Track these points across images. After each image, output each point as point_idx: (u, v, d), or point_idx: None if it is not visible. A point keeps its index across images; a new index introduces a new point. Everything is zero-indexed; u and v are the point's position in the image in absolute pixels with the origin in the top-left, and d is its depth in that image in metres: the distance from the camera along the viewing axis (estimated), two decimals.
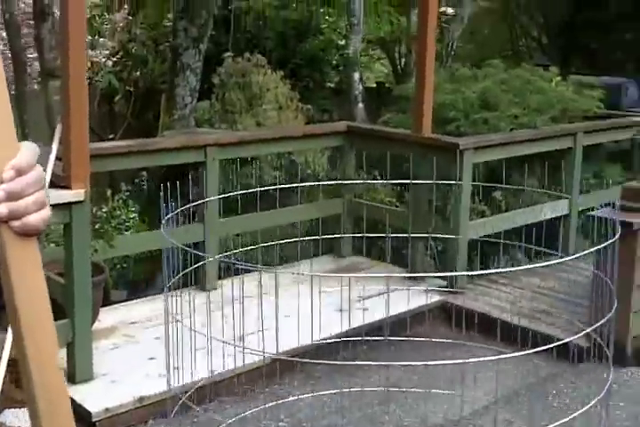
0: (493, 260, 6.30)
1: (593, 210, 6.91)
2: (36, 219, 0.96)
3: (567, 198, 6.60)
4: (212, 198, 5.31)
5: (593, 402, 3.14)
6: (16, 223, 0.94)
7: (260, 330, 3.50)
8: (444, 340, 4.12)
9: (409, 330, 5.05)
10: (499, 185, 4.72)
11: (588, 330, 3.44)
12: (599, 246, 3.22)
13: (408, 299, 4.84)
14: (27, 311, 0.99)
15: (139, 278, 6.51)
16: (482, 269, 6.29)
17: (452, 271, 5.68)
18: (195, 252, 3.11)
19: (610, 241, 3.24)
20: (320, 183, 5.09)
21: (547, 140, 6.36)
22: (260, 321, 3.39)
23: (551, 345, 3.36)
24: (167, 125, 6.06)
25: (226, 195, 4.72)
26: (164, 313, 2.94)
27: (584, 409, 3.10)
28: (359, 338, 4.13)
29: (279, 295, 3.26)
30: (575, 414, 3.11)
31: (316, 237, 4.83)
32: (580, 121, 7.14)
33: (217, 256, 5.25)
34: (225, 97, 6.89)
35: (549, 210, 6.40)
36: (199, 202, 4.48)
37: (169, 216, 3.92)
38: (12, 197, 0.92)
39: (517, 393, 4.23)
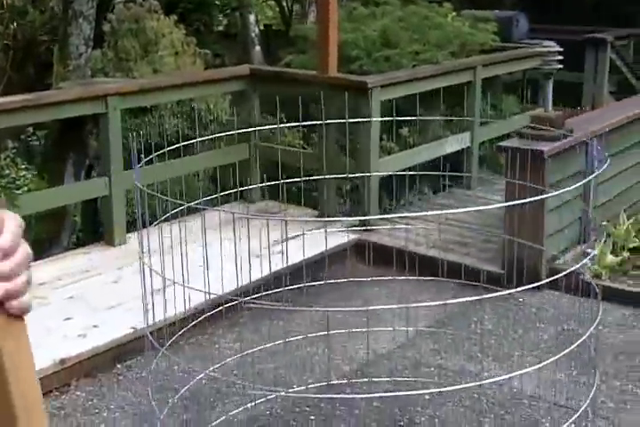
0: (401, 195, 6.36)
1: (493, 141, 7.06)
2: (29, 298, 0.91)
3: (469, 131, 6.68)
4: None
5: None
6: (14, 303, 0.89)
7: (176, 282, 3.37)
8: (381, 278, 4.13)
9: (328, 271, 5.06)
10: (407, 118, 4.71)
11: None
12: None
13: (324, 240, 4.83)
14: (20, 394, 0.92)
15: (41, 238, 6.31)
16: (391, 204, 6.34)
17: (364, 209, 5.70)
18: (166, 198, 2.95)
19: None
20: (233, 132, 4.97)
21: (448, 75, 6.39)
22: (183, 270, 3.28)
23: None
24: (62, 76, 5.83)
25: (158, 152, 4.58)
26: (140, 251, 2.83)
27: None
28: (297, 285, 4.10)
29: (187, 245, 3.18)
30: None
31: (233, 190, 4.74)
32: (478, 55, 7.20)
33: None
34: (118, 45, 6.67)
35: (453, 143, 6.46)
36: (156, 154, 4.35)
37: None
38: (3, 279, 0.87)
39: (440, 323, 4.30)
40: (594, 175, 2.87)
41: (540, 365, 1.76)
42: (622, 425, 3.39)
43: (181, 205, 3.02)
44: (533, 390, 3.54)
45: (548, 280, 3.66)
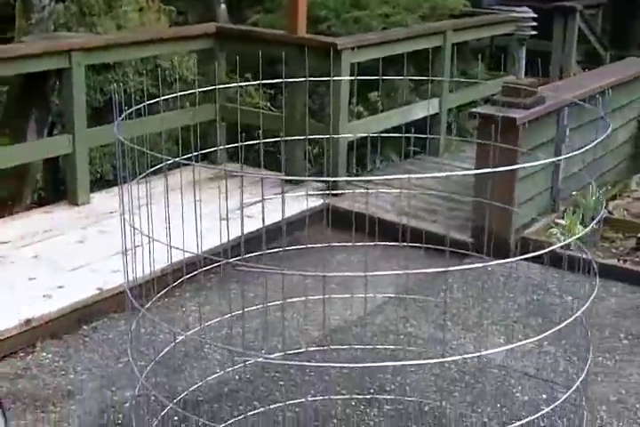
0: (368, 162, 6.33)
1: (461, 108, 7.05)
2: None
3: (437, 97, 6.66)
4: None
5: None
6: None
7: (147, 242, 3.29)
8: (341, 244, 4.10)
9: (294, 236, 5.04)
10: (376, 77, 4.65)
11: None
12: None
13: (290, 204, 4.81)
14: None
15: (3, 196, 6.19)
16: (358, 170, 6.31)
17: (332, 174, 5.67)
18: (153, 153, 2.84)
19: None
20: (196, 91, 4.87)
21: (418, 39, 6.34)
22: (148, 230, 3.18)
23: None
24: (24, 30, 5.68)
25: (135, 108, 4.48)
26: (120, 207, 2.75)
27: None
28: (266, 252, 4.06)
29: (154, 205, 3.08)
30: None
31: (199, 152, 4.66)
32: (447, 19, 7.15)
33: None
34: None
35: (421, 109, 6.44)
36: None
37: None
38: None
39: (409, 291, 4.30)
40: (599, 141, 2.82)
41: (531, 340, 1.76)
42: (594, 397, 3.44)
43: (162, 161, 2.92)
44: (503, 361, 3.57)
45: (532, 255, 3.66)
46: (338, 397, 3.46)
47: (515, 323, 3.92)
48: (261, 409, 3.24)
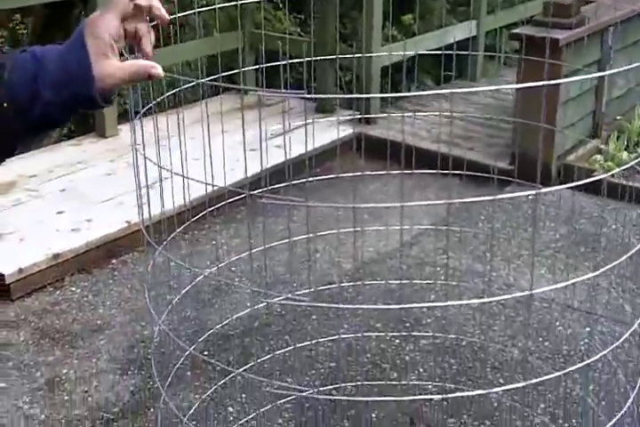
0: (401, 88, 6.11)
1: (500, 31, 6.75)
2: None
3: (475, 19, 6.38)
4: None
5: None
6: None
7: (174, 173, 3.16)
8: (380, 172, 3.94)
9: (326, 165, 4.89)
10: None
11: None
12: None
13: (320, 134, 4.64)
14: None
15: None
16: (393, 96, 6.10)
17: (365, 102, 5.47)
18: (178, 76, 2.70)
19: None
20: (217, 6, 4.68)
21: None
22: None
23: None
24: None
25: None
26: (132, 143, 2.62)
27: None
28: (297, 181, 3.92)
29: (182, 137, 2.95)
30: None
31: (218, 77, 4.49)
32: None
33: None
34: None
35: (458, 31, 6.17)
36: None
37: None
38: None
39: (445, 221, 4.15)
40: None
41: (585, 277, 1.62)
42: None
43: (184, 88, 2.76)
44: (545, 293, 3.42)
45: (573, 185, 3.47)
46: (371, 334, 3.35)
47: (557, 253, 3.76)
48: (292, 347, 3.14)
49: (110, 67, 1.09)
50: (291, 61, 3.91)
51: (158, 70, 1.14)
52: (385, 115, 5.41)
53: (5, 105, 1.06)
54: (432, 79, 6.23)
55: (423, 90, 6.20)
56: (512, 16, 6.67)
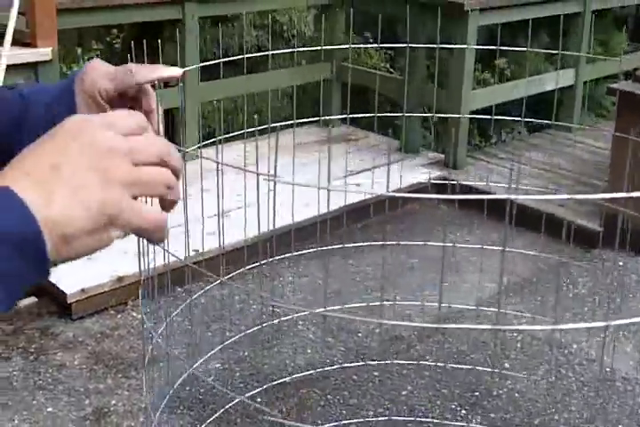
0: (493, 133, 5.93)
1: (598, 81, 6.50)
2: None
3: (573, 68, 6.15)
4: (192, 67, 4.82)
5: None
6: None
7: (239, 207, 3.07)
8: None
9: (405, 208, 4.72)
10: (510, 49, 4.25)
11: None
12: None
13: (404, 175, 4.48)
14: None
15: None
16: (481, 141, 5.92)
17: (451, 146, 5.29)
18: None
19: None
20: (312, 49, 4.59)
21: (555, 3, 5.82)
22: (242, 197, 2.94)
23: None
24: None
25: (208, 62, 4.26)
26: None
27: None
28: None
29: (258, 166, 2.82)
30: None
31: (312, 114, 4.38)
32: None
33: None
34: None
35: (554, 80, 5.95)
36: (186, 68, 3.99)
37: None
38: None
39: (527, 282, 3.93)
40: None
41: None
42: None
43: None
44: (627, 370, 3.18)
45: None
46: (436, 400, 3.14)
47: None
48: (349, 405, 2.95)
49: None
50: (385, 115, 3.78)
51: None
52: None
53: None
54: (524, 126, 6.03)
55: (513, 137, 5.99)
56: (613, 68, 6.43)
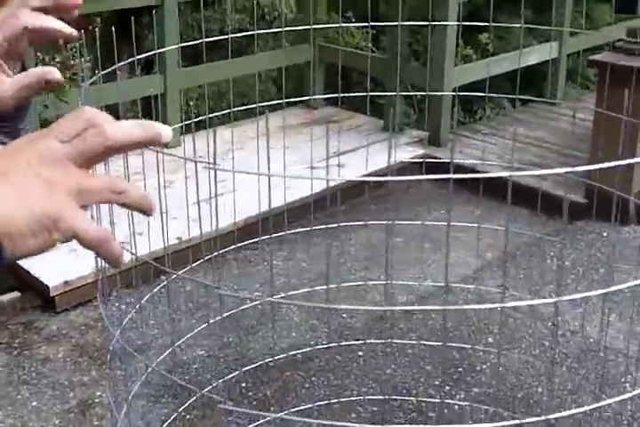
0: (477, 109, 5.88)
1: (580, 53, 6.45)
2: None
3: (556, 40, 6.10)
4: (172, 47, 4.76)
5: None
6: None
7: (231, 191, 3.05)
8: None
9: (387, 187, 4.68)
10: (487, 24, 4.20)
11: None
12: None
13: (387, 153, 4.44)
14: None
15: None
16: (465, 117, 5.87)
17: (435, 123, 5.25)
18: None
19: None
20: (294, 28, 4.54)
21: None
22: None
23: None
24: None
25: (188, 43, 4.20)
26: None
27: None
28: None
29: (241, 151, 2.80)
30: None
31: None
32: None
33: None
34: None
35: (538, 54, 5.90)
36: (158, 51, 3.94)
37: (121, 64, 3.36)
38: None
39: (511, 255, 3.90)
40: None
41: None
42: None
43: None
44: (611, 341, 3.15)
45: None
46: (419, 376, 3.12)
47: (629, 299, 3.47)
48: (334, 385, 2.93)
49: None
50: (374, 94, 3.74)
51: (55, 75, 0.90)
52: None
53: None
54: (508, 101, 5.98)
55: (497, 113, 5.94)
56: (597, 39, 6.38)
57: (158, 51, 3.93)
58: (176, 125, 4.48)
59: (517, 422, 1.35)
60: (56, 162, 0.66)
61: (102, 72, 2.12)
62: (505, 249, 3.18)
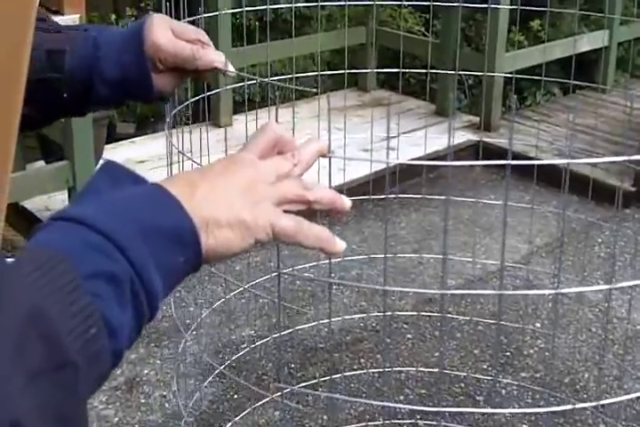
0: (528, 95, 5.86)
1: (632, 42, 6.39)
2: None
3: (607, 29, 6.05)
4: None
5: None
6: None
7: None
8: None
9: (439, 172, 4.71)
10: (540, 8, 4.18)
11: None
12: None
13: (438, 138, 4.46)
14: None
15: (146, 112, 6.08)
16: (516, 104, 5.86)
17: (487, 108, 5.25)
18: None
19: None
20: (360, 3, 4.55)
21: None
22: None
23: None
24: None
25: (253, 8, 4.23)
26: (167, 152, 2.52)
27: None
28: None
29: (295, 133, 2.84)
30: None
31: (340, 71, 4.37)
32: None
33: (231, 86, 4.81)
34: None
35: (588, 41, 5.87)
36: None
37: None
38: None
39: (559, 242, 3.91)
40: None
41: None
42: None
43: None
44: None
45: None
46: (467, 360, 3.15)
47: None
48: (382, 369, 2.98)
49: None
50: (429, 71, 3.75)
51: (229, 67, 1.15)
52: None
53: (65, 95, 1.04)
54: (559, 88, 5.95)
55: (548, 99, 5.92)
56: None
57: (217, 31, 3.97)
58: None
59: (570, 406, 1.39)
60: (257, 184, 0.72)
61: None
62: (562, 233, 3.20)
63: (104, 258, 0.60)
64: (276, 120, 0.88)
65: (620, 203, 4.06)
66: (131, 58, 1.05)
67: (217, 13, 3.54)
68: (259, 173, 0.73)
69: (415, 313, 3.32)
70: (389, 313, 3.25)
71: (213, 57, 1.08)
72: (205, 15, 2.08)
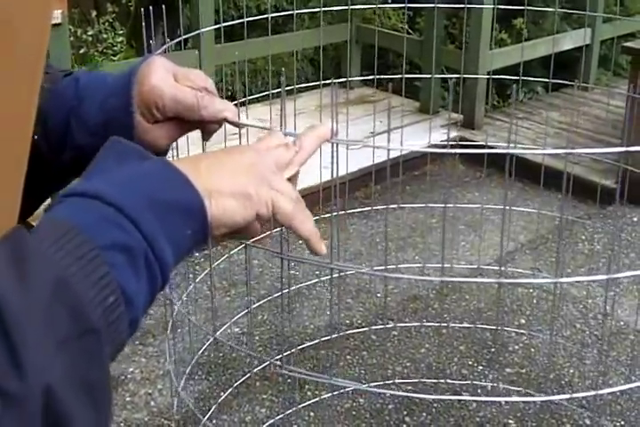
0: (510, 93, 5.88)
1: (614, 40, 6.44)
2: None
3: (589, 27, 6.09)
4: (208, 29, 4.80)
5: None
6: None
7: None
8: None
9: (422, 169, 4.72)
10: (522, 8, 4.20)
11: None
12: None
13: (421, 136, 4.48)
14: None
15: None
16: (499, 102, 5.89)
17: (470, 106, 5.27)
18: None
19: None
20: (336, 8, 4.56)
21: None
22: None
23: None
24: None
25: (229, 23, 4.21)
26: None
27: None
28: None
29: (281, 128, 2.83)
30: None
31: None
32: None
33: None
34: None
35: (571, 39, 5.90)
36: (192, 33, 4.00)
37: (171, 43, 3.41)
38: None
39: (543, 238, 3.94)
40: None
41: None
42: None
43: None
44: None
45: None
46: (453, 356, 3.17)
47: None
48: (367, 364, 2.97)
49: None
50: (410, 76, 3.77)
51: (234, 117, 0.96)
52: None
53: (36, 137, 0.87)
54: (542, 86, 5.98)
55: (531, 97, 5.95)
56: (631, 26, 6.36)
57: (200, 30, 3.98)
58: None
59: (545, 398, 1.40)
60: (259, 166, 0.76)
61: (166, 45, 2.17)
62: (561, 230, 3.21)
63: (118, 230, 0.62)
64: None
65: (601, 200, 4.10)
66: (118, 101, 0.92)
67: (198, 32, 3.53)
68: (261, 158, 0.76)
69: (401, 310, 3.33)
70: (376, 310, 3.26)
71: (222, 106, 0.93)
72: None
